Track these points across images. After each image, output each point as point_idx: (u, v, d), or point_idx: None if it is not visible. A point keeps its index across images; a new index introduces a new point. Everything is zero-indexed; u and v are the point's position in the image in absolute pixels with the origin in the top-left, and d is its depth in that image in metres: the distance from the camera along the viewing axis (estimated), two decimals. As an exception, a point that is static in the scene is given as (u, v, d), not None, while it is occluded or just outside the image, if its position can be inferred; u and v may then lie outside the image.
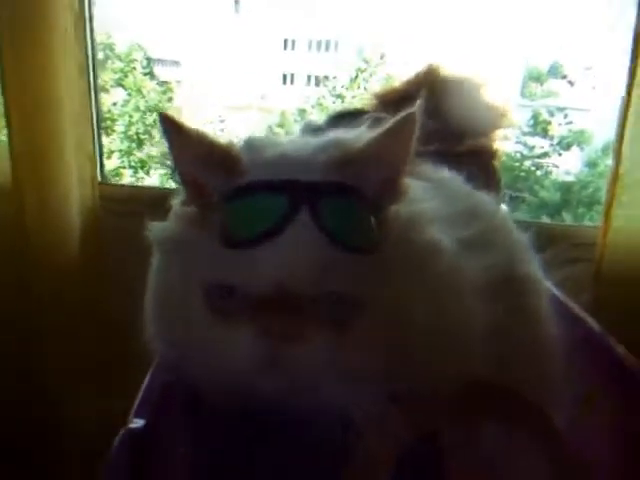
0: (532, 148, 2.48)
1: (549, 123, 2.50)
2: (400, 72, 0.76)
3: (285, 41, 2.87)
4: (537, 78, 2.60)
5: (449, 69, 0.68)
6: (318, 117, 2.46)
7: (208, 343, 0.38)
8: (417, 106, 0.37)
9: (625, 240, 0.83)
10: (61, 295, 0.95)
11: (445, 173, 0.52)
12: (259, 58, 2.81)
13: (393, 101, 0.67)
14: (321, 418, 0.38)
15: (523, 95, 2.56)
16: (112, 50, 2.75)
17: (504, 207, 0.59)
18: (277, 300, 0.36)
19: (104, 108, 2.39)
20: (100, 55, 2.51)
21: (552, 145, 2.49)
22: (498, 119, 0.68)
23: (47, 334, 0.97)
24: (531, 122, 2.48)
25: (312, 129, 0.62)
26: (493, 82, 0.69)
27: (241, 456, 0.43)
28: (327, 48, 2.86)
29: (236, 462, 0.43)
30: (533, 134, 2.51)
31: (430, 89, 0.65)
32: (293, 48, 2.90)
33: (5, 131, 0.91)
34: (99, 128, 1.06)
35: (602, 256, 0.83)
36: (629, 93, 0.78)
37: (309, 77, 2.92)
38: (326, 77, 2.68)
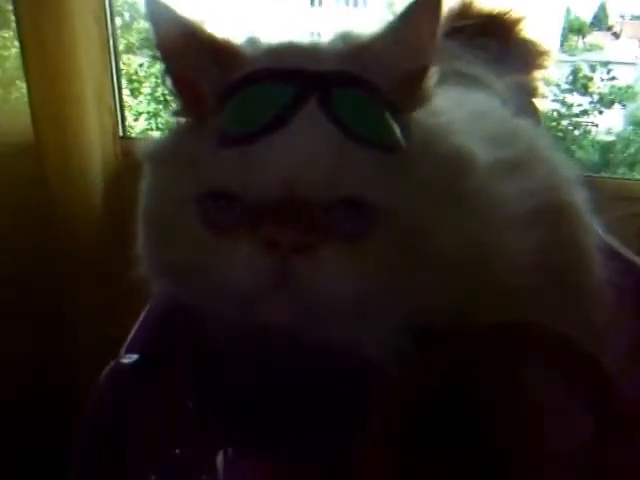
0: (570, 106, 2.36)
1: (590, 79, 2.37)
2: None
3: (312, -3, 2.79)
4: (579, 30, 2.45)
5: (483, 4, 0.63)
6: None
7: (206, 265, 0.33)
8: None
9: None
10: (82, 250, 0.96)
11: (478, 96, 0.47)
12: (286, 15, 2.74)
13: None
14: (336, 358, 0.33)
15: (563, 49, 2.42)
16: (137, 11, 2.71)
17: None
18: (284, 206, 0.31)
19: (131, 70, 2.37)
20: (127, 16, 2.49)
21: (592, 102, 2.37)
22: (538, 57, 0.63)
23: (68, 287, 0.98)
24: (570, 78, 2.35)
25: None
26: (532, 19, 0.64)
27: (246, 397, 0.38)
28: (355, 3, 2.76)
29: (241, 402, 0.39)
30: (572, 91, 2.38)
31: (464, 27, 0.60)
32: (320, 4, 2.81)
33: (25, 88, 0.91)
34: (119, 82, 1.05)
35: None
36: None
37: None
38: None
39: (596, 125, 2.40)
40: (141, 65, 2.67)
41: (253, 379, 0.38)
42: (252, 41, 0.36)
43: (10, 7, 0.96)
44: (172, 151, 0.36)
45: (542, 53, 0.63)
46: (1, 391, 0.87)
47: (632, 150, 2.27)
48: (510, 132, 0.42)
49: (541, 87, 0.63)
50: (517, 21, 0.62)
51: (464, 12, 0.63)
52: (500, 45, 0.60)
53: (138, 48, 2.69)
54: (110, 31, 0.97)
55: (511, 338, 0.36)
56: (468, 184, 0.34)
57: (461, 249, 0.33)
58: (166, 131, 0.38)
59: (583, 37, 2.48)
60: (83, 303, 0.97)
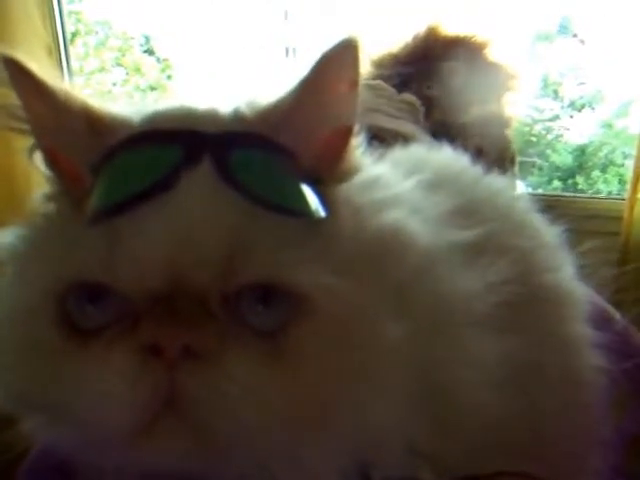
0: (542, 111, 2.41)
1: (560, 84, 2.43)
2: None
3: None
4: (546, 38, 2.51)
5: (449, 29, 0.63)
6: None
7: (63, 387, 0.24)
8: (354, 34, 0.26)
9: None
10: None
11: (444, 155, 0.40)
12: (259, 29, 2.74)
13: (390, 66, 0.63)
14: None
15: (532, 56, 2.48)
16: (110, 28, 2.70)
17: (521, 187, 0.48)
18: (168, 299, 0.23)
19: (104, 88, 2.36)
20: (101, 34, 2.48)
21: (563, 107, 2.42)
22: (506, 81, 0.63)
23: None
24: (541, 84, 2.40)
25: None
26: (498, 41, 0.65)
27: None
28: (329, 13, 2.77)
29: None
30: (543, 96, 2.44)
31: (430, 52, 0.61)
32: (293, 17, 2.82)
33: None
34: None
35: (629, 229, 0.79)
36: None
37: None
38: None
39: (567, 129, 2.46)
40: (114, 84, 2.66)
41: None
42: (136, 109, 0.29)
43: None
44: (31, 245, 0.28)
45: (510, 76, 0.63)
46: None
47: (604, 152, 2.33)
48: (478, 204, 0.35)
49: (513, 117, 0.63)
50: (484, 45, 0.63)
51: (430, 37, 0.63)
52: (468, 69, 0.61)
53: (112, 66, 2.68)
54: (65, 60, 0.95)
55: None
56: (405, 270, 0.27)
57: (407, 355, 0.26)
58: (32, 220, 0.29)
59: (551, 43, 2.54)
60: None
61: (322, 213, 0.26)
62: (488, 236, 0.31)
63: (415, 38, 0.64)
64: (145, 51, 2.66)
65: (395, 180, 0.31)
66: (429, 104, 0.46)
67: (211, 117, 0.28)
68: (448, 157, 0.40)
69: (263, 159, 0.26)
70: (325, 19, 2.74)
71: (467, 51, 0.62)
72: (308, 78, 0.27)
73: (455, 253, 0.29)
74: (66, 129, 0.27)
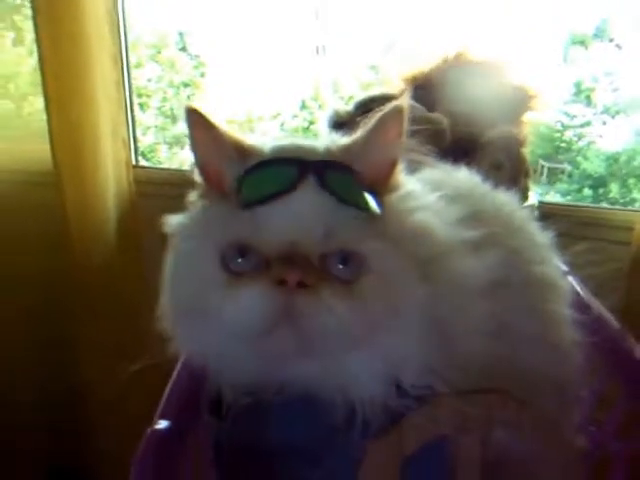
0: (574, 117, 2.36)
1: (592, 90, 2.37)
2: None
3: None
4: (581, 42, 2.45)
5: (476, 54, 0.66)
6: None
7: (223, 303, 0.41)
8: (403, 99, 0.42)
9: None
10: (99, 278, 0.98)
11: (460, 175, 0.55)
12: (291, 63, 2.76)
13: (421, 85, 0.66)
14: (327, 396, 0.42)
15: (565, 60, 2.43)
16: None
17: (534, 198, 0.62)
18: (289, 256, 0.39)
19: (140, 83, 2.41)
20: (137, 31, 2.53)
21: (595, 114, 2.37)
22: (526, 101, 0.65)
23: (86, 314, 1.00)
24: (573, 90, 2.35)
25: (337, 122, 0.63)
26: (524, 62, 0.66)
27: (259, 452, 0.46)
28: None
29: (255, 458, 0.47)
30: (575, 102, 2.39)
31: (456, 74, 0.63)
32: (325, 52, 2.81)
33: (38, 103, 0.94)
34: (132, 113, 1.09)
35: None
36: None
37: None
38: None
39: (600, 136, 2.40)
40: (149, 80, 2.72)
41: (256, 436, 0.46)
42: (264, 140, 0.46)
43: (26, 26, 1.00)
44: (199, 221, 0.46)
45: (531, 97, 0.65)
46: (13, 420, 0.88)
47: (639, 161, 2.28)
48: (483, 213, 0.49)
49: (529, 135, 0.66)
50: (504, 67, 0.65)
51: (458, 59, 0.66)
52: (492, 91, 0.62)
53: (147, 62, 2.73)
54: (125, 69, 1.02)
55: (474, 405, 0.43)
56: (428, 251, 0.42)
57: (426, 307, 0.41)
58: (188, 209, 0.47)
59: (586, 48, 2.48)
60: (95, 324, 0.99)
61: (378, 211, 0.42)
62: (489, 236, 0.46)
63: (445, 61, 0.67)
64: (180, 48, 2.71)
65: (423, 193, 0.47)
66: (455, 120, 0.54)
67: (312, 150, 0.44)
68: (463, 176, 0.55)
69: (345, 177, 0.42)
70: (355, 18, 2.73)
71: (492, 74, 0.64)
72: (371, 129, 0.42)
73: (464, 245, 0.44)
74: (221, 154, 0.44)
